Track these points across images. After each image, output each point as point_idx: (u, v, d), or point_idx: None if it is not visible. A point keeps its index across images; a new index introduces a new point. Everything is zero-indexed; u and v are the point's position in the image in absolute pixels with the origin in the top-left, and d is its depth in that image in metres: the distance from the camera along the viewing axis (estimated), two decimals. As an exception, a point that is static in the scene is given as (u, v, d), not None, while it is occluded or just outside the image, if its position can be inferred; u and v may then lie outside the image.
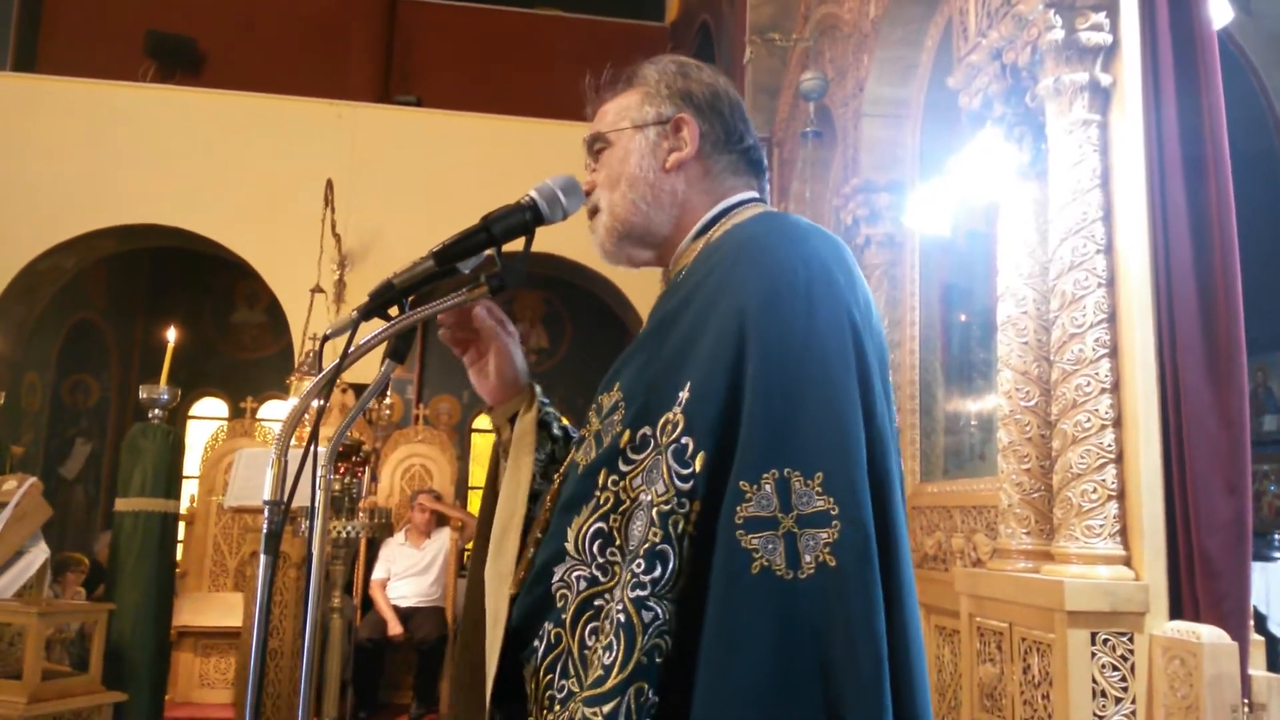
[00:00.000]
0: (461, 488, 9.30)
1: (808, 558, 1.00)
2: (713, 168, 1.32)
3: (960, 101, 3.62)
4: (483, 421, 10.80)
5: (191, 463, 8.02)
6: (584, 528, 1.11)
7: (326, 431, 1.50)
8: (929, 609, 4.28)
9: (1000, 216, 3.41)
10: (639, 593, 1.03)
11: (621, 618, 1.03)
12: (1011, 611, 3.06)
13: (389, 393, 8.81)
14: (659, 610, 1.02)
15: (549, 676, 1.09)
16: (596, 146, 1.34)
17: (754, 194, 1.34)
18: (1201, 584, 2.62)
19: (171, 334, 5.16)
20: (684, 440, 1.06)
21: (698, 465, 1.05)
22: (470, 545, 5.20)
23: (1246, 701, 2.47)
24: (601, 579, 1.09)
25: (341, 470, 5.20)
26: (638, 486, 1.09)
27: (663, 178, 1.30)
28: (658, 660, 1.02)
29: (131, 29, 9.97)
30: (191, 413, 11.08)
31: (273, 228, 8.25)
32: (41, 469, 9.10)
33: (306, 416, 1.26)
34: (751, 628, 0.99)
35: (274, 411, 9.71)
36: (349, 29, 10.42)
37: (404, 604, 6.76)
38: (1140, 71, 2.94)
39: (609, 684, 1.01)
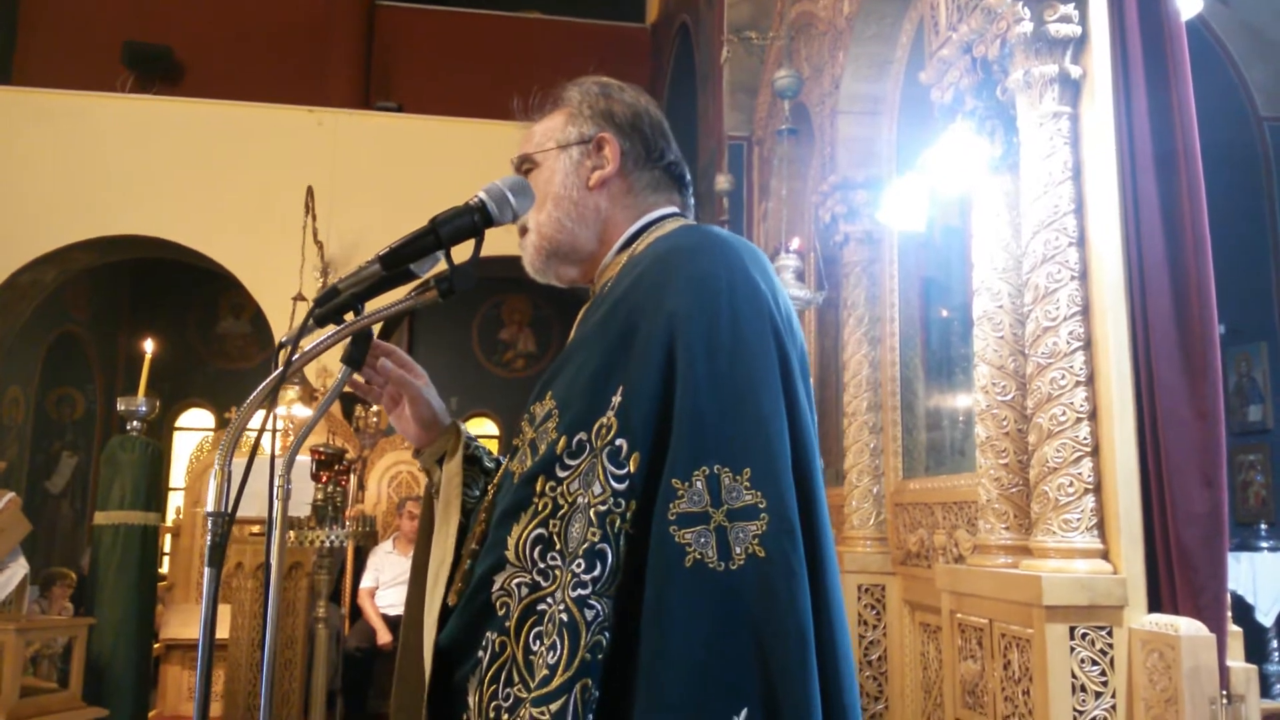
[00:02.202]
0: (450, 494, 9.26)
1: (738, 550, 1.05)
2: (635, 184, 1.36)
3: (932, 96, 3.60)
4: (472, 428, 10.77)
5: (178, 474, 7.99)
6: (524, 535, 1.13)
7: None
8: (913, 606, 4.27)
9: (974, 211, 3.40)
10: (580, 591, 1.06)
11: (564, 617, 1.05)
12: (991, 607, 3.04)
13: (375, 400, 8.78)
14: (600, 607, 1.06)
15: (493, 687, 1.09)
16: (524, 168, 1.38)
17: (674, 209, 1.39)
18: (1179, 576, 2.60)
19: (149, 345, 5.13)
20: (618, 442, 1.10)
21: (632, 466, 1.09)
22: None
23: (1225, 693, 2.45)
24: (543, 584, 1.10)
25: (325, 479, 5.16)
26: (575, 491, 1.12)
27: (586, 195, 1.34)
28: (599, 657, 1.05)
29: (108, 40, 9.93)
30: (177, 424, 11.03)
31: (254, 236, 8.22)
32: (26, 483, 9.05)
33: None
34: (687, 618, 1.03)
35: (260, 421, 9.68)
36: (328, 35, 10.38)
37: (393, 612, 6.70)
38: (1110, 63, 2.92)
39: (555, 683, 1.03)
